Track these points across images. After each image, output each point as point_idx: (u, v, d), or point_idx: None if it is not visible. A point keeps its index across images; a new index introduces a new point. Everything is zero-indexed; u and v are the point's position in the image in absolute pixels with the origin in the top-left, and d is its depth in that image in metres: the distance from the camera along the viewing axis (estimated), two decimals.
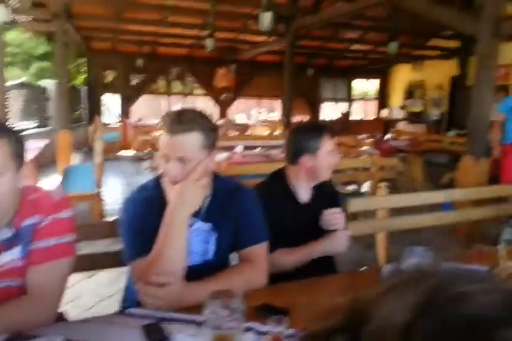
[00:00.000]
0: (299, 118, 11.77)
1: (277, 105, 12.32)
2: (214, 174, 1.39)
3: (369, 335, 0.35)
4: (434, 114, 11.15)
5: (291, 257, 1.50)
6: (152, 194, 1.32)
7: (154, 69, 10.86)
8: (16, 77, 8.94)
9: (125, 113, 10.65)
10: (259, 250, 1.34)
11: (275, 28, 8.06)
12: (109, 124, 10.28)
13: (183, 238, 1.21)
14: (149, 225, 1.24)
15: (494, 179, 4.36)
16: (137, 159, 8.65)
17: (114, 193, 5.60)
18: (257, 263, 1.31)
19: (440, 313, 0.32)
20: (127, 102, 10.74)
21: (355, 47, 10.78)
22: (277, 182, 1.65)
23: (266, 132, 9.96)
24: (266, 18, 4.13)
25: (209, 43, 5.94)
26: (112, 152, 8.64)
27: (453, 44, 9.57)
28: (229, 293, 0.97)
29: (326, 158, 1.58)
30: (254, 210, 1.39)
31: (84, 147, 9.33)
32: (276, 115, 12.11)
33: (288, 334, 0.98)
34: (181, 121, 1.19)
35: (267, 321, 0.99)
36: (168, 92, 11.50)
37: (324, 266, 1.68)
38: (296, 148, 1.58)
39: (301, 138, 1.58)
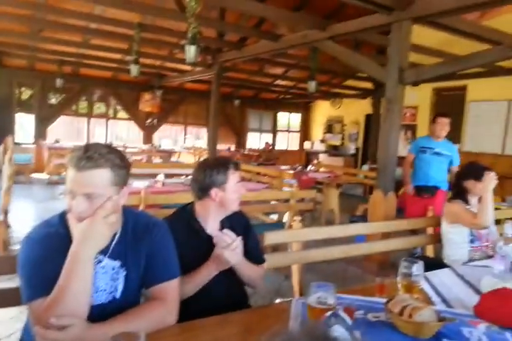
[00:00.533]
0: (225, 146, 11.94)
1: (204, 132, 12.38)
2: (124, 209, 1.35)
3: None
4: (351, 148, 11.93)
5: (189, 284, 1.50)
6: (55, 230, 1.25)
7: (75, 89, 10.45)
8: None
9: (40, 133, 10.02)
10: (171, 286, 1.32)
11: (203, 59, 8.26)
12: (21, 145, 9.59)
13: (88, 277, 1.16)
14: (50, 264, 1.18)
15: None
16: (51, 183, 8.14)
17: (24, 220, 5.19)
18: (167, 301, 1.29)
19: None
20: (43, 122, 10.14)
21: (279, 82, 11.30)
22: (182, 217, 1.67)
23: (191, 159, 9.93)
24: (191, 51, 4.20)
25: (133, 69, 5.87)
26: (23, 175, 8.06)
27: (367, 85, 10.43)
28: (131, 336, 0.94)
29: (232, 190, 1.65)
30: (167, 245, 1.37)
31: None
32: (203, 142, 12.15)
33: None
34: (90, 157, 1.16)
35: None
36: (90, 114, 11.06)
37: (236, 299, 1.69)
38: (204, 182, 1.63)
39: (209, 173, 1.63)
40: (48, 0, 6.28)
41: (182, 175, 5.24)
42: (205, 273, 1.53)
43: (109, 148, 1.22)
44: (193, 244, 1.58)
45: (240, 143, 12.97)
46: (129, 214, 1.35)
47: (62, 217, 1.28)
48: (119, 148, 1.31)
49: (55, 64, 8.79)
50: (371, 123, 10.86)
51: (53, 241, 1.22)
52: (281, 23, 5.84)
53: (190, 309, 1.42)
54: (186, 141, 12.30)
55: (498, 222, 2.90)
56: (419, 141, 4.68)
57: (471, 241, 2.50)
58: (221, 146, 11.75)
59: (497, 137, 7.58)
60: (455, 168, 4.30)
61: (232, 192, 1.65)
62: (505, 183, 7.22)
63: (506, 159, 7.41)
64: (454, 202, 2.55)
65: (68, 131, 10.88)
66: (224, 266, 1.53)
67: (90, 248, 1.16)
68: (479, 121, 7.90)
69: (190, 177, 4.61)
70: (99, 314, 1.18)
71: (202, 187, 1.64)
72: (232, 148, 12.25)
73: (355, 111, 11.85)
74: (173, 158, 10.27)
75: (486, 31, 5.04)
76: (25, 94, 10.32)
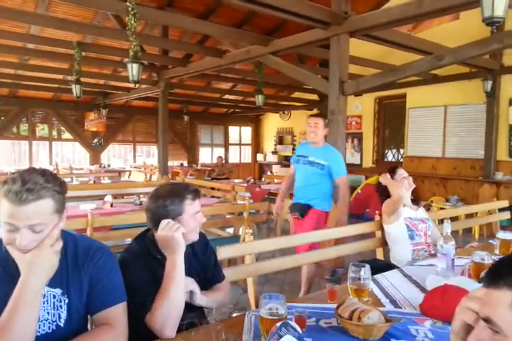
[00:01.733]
0: (176, 162, 11.81)
1: (155, 150, 12.20)
2: (63, 233, 1.28)
3: None
4: None
5: (164, 292, 1.37)
6: None
7: (14, 112, 10.00)
8: None
9: None
10: (117, 311, 1.28)
11: (148, 76, 8.19)
12: None
13: (37, 309, 1.12)
14: None
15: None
16: None
17: None
18: (115, 326, 1.24)
19: None
20: None
21: (228, 96, 11.40)
22: (142, 245, 1.55)
23: (142, 178, 9.72)
24: (133, 69, 4.16)
25: (75, 90, 5.72)
26: None
27: (313, 97, 10.75)
28: None
29: (190, 221, 1.53)
30: (111, 269, 1.32)
31: None
32: (154, 160, 11.96)
33: None
34: (29, 189, 1.10)
35: None
36: (31, 137, 10.59)
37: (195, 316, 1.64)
38: (157, 214, 1.50)
39: (161, 203, 1.49)
40: None
41: (134, 194, 5.11)
42: (170, 267, 1.41)
43: (46, 176, 1.16)
44: (161, 271, 1.44)
45: (193, 158, 12.88)
46: (68, 238, 1.29)
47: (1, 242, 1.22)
48: (63, 170, 1.28)
49: None
50: None
51: None
52: (224, 39, 5.92)
53: (143, 331, 1.37)
54: (136, 160, 12.05)
55: (441, 221, 3.05)
56: (298, 148, 3.80)
57: (411, 238, 2.62)
58: (173, 163, 11.63)
59: (437, 141, 8.02)
60: (338, 181, 3.39)
61: (190, 223, 1.52)
62: (447, 184, 7.65)
63: (447, 161, 7.84)
64: (385, 202, 2.69)
65: (8, 156, 10.35)
66: (175, 246, 1.43)
67: (40, 277, 1.13)
68: (419, 127, 8.32)
69: (141, 196, 4.51)
70: None
71: (155, 218, 1.50)
72: (185, 163, 12.13)
73: (303, 122, 12.08)
74: (124, 178, 10.00)
75: (418, 42, 5.38)
76: None
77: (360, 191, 7.77)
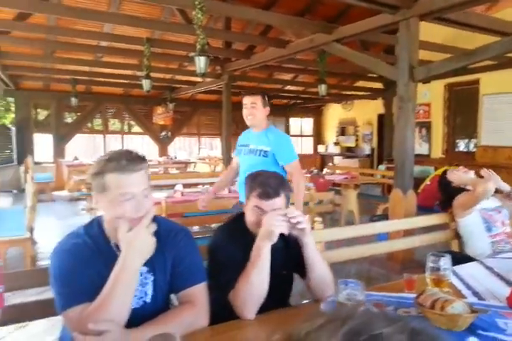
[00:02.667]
0: None
1: (218, 142, 12.48)
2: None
3: None
4: (366, 149, 11.86)
5: (248, 275, 1.41)
6: (82, 241, 1.29)
7: (89, 107, 10.67)
8: None
9: (59, 152, 10.25)
10: (199, 291, 1.34)
11: (212, 70, 8.36)
12: (41, 164, 9.81)
13: (133, 285, 1.20)
14: (80, 273, 1.22)
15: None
16: (72, 199, 8.28)
17: (48, 236, 5.28)
18: (197, 304, 1.31)
19: None
20: (61, 141, 10.37)
21: (289, 87, 11.35)
22: (238, 225, 1.64)
23: (207, 169, 10.00)
24: (201, 62, 4.27)
25: (145, 84, 5.99)
26: (45, 193, 8.22)
27: (377, 85, 10.40)
28: (167, 337, 0.96)
29: (247, 214, 1.61)
30: (192, 251, 1.40)
31: (14, 189, 8.79)
32: (217, 152, 12.23)
33: None
34: (133, 160, 1.24)
35: None
36: (105, 131, 11.27)
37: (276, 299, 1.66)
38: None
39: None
40: (59, 22, 6.47)
41: (199, 184, 5.28)
42: (255, 253, 1.44)
43: (135, 153, 1.30)
44: (248, 252, 1.49)
45: None
46: (154, 221, 1.38)
47: (87, 228, 1.33)
48: None
49: (69, 83, 9.00)
50: (384, 123, 10.79)
51: (81, 251, 1.26)
52: (287, 29, 5.88)
53: (226, 309, 1.42)
54: (201, 152, 12.40)
55: None
56: (240, 137, 3.24)
57: (488, 230, 2.47)
58: None
59: None
60: (288, 168, 2.86)
61: (247, 216, 1.63)
62: None
63: None
64: (461, 196, 2.54)
65: (85, 148, 11.10)
66: (266, 235, 1.44)
67: (138, 257, 1.21)
68: (495, 115, 7.78)
69: (206, 186, 4.64)
70: (132, 318, 1.20)
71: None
72: None
73: (367, 112, 11.80)
74: (189, 169, 10.35)
75: (494, 23, 5.00)
76: (42, 114, 10.57)
77: (429, 182, 7.43)
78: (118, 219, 1.24)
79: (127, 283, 1.18)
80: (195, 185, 5.72)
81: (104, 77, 8.88)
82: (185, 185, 4.78)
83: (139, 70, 7.05)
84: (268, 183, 1.56)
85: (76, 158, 9.70)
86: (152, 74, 6.27)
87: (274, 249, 1.47)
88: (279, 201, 1.56)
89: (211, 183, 5.37)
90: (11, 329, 2.66)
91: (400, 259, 4.08)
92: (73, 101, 9.02)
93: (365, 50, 7.65)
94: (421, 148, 9.38)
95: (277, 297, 1.59)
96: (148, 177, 1.30)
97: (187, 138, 12.56)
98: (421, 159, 8.56)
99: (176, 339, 0.94)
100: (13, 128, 10.00)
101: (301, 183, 2.89)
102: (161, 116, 11.35)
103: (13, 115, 10.37)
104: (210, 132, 12.62)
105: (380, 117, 11.24)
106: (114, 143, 11.43)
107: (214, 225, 4.22)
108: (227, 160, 8.30)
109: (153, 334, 0.97)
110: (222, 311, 1.39)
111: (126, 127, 11.63)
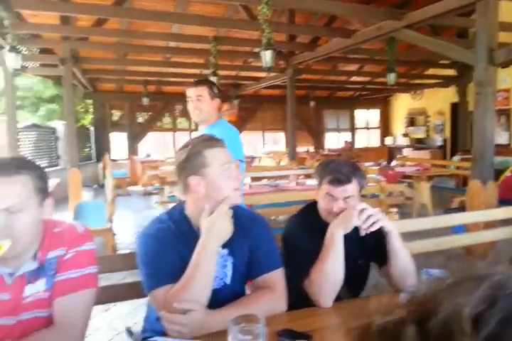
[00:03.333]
0: (302, 148, 11.94)
1: (281, 137, 12.53)
2: None
3: (437, 326, 0.39)
4: (438, 139, 11.26)
5: (321, 263, 1.42)
6: (166, 226, 1.36)
7: (159, 107, 11.18)
8: (25, 119, 9.24)
9: (133, 149, 10.87)
10: (277, 276, 1.37)
11: (276, 64, 8.38)
12: (117, 161, 10.47)
13: (213, 268, 1.25)
14: (164, 256, 1.29)
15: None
16: (146, 194, 8.75)
17: (125, 228, 5.64)
18: (276, 290, 1.34)
19: (505, 304, 0.38)
20: (134, 139, 10.98)
21: (355, 79, 11.08)
22: (311, 215, 1.66)
23: (272, 164, 10.08)
24: (267, 56, 4.30)
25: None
26: (121, 188, 8.77)
27: (450, 72, 9.82)
28: (251, 318, 0.99)
29: (320, 202, 1.62)
30: (268, 238, 1.44)
31: (94, 184, 9.47)
32: (281, 147, 12.28)
33: None
34: (211, 138, 1.38)
35: None
36: (174, 129, 11.76)
37: (354, 289, 1.66)
38: None
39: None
40: (131, 26, 6.83)
41: (266, 177, 5.35)
42: (329, 242, 1.44)
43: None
44: (319, 240, 1.50)
45: (319, 143, 12.88)
46: (233, 206, 1.44)
47: (170, 213, 1.40)
48: None
49: (141, 84, 9.49)
50: (458, 111, 10.18)
51: (164, 235, 1.33)
52: (352, 18, 5.74)
53: (302, 296, 1.44)
54: (265, 147, 12.52)
55: None
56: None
57: None
58: (299, 148, 11.79)
59: None
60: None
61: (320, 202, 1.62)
62: None
63: None
64: None
65: (156, 146, 11.67)
66: (341, 222, 1.45)
67: (215, 241, 1.26)
68: None
69: (272, 180, 4.69)
70: (213, 298, 1.26)
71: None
72: (311, 149, 12.20)
73: (438, 101, 11.20)
74: (255, 163, 10.51)
75: None
76: (116, 115, 11.26)
77: (509, 174, 6.91)
78: (207, 203, 1.31)
79: (207, 265, 1.23)
80: (262, 178, 5.80)
81: (173, 76, 9.25)
82: (252, 179, 4.86)
83: (206, 69, 7.26)
84: (339, 170, 1.55)
85: (148, 155, 10.23)
86: (218, 72, 6.42)
87: (349, 238, 1.46)
88: (351, 188, 1.54)
89: (277, 177, 5.43)
90: (95, 312, 2.90)
91: (479, 255, 3.85)
92: (145, 101, 9.50)
93: (436, 35, 7.27)
94: (500, 137, 8.74)
95: (353, 286, 1.58)
96: None
97: (251, 134, 12.73)
98: (500, 149, 7.96)
99: (260, 320, 0.97)
100: (92, 128, 10.78)
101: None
102: (226, 112, 11.58)
103: (91, 116, 11.15)
104: (273, 127, 12.69)
105: (454, 106, 10.61)
106: (183, 141, 11.88)
107: (281, 217, 4.26)
108: (292, 154, 8.30)
109: (238, 315, 1.00)
110: (297, 299, 1.41)
111: (193, 125, 12.03)
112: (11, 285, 1.11)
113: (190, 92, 2.59)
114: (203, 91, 2.57)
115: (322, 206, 1.60)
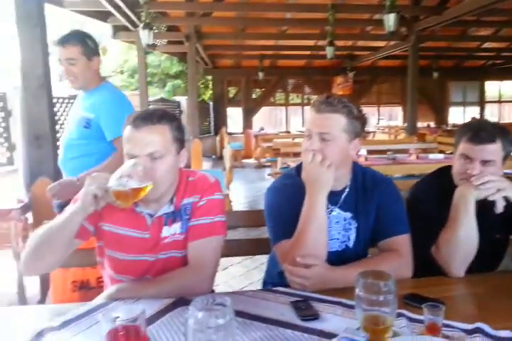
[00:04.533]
0: (423, 124, 11.15)
1: (396, 112, 11.83)
2: (354, 164, 1.40)
3: None
4: None
5: (452, 230, 1.31)
6: (292, 181, 1.38)
7: (273, 81, 11.30)
8: (153, 94, 10.12)
9: (247, 124, 11.25)
10: (403, 241, 1.31)
11: (396, 31, 7.82)
12: (233, 134, 10.95)
13: (321, 220, 1.23)
14: (288, 210, 1.30)
15: None
16: (259, 166, 9.05)
17: (238, 198, 5.92)
18: (402, 254, 1.28)
19: None
20: (249, 114, 11.34)
21: (487, 45, 9.85)
22: (442, 179, 1.51)
23: (386, 138, 9.63)
24: (390, 20, 4.03)
25: (329, 51, 5.99)
26: (236, 160, 9.18)
27: None
28: (381, 274, 0.96)
29: (454, 163, 1.47)
30: (396, 201, 1.37)
31: (212, 155, 10.07)
32: (396, 122, 11.63)
33: (446, 323, 0.94)
34: (329, 102, 1.27)
35: (421, 310, 0.95)
36: (286, 104, 11.85)
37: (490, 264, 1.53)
38: None
39: None
40: None
41: (382, 151, 5.14)
42: (459, 209, 1.32)
43: (346, 101, 1.30)
44: (448, 206, 1.38)
45: (441, 118, 11.87)
46: (357, 169, 1.40)
47: (298, 169, 1.40)
48: None
49: (257, 59, 9.66)
50: None
51: (289, 191, 1.35)
52: None
53: (428, 263, 1.35)
54: (380, 122, 11.97)
55: None
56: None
57: None
58: (418, 124, 11.02)
59: None
60: (117, 144, 1.92)
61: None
62: None
63: None
64: None
65: (269, 120, 11.93)
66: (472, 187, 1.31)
67: (318, 192, 1.25)
68: None
69: (390, 153, 4.46)
70: (335, 261, 1.25)
71: None
72: (432, 124, 11.31)
73: None
74: (369, 138, 10.15)
75: None
76: (231, 92, 11.69)
77: None
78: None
79: (315, 218, 1.22)
80: (377, 152, 5.59)
81: (288, 49, 9.23)
82: (369, 152, 4.70)
83: (321, 39, 7.08)
84: (483, 127, 1.39)
85: (262, 129, 10.51)
86: (334, 42, 6.22)
87: (481, 207, 1.32)
88: (493, 149, 1.35)
89: (394, 150, 5.16)
90: (231, 262, 3.30)
91: None
92: (260, 75, 9.69)
93: None
94: None
95: (488, 261, 1.44)
96: (345, 126, 1.29)
97: (366, 108, 12.21)
98: None
99: (391, 278, 0.93)
100: (211, 103, 11.38)
101: (115, 163, 1.66)
102: (340, 86, 11.28)
103: (210, 91, 11.75)
104: (389, 101, 12.02)
105: None
106: (294, 116, 11.95)
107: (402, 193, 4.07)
108: (412, 129, 7.80)
109: (366, 270, 0.98)
110: (421, 267, 1.33)
111: (306, 100, 11.98)
112: (151, 225, 1.23)
113: (62, 53, 2.00)
114: (75, 51, 1.98)
115: (456, 168, 1.44)
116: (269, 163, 7.60)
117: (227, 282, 3.08)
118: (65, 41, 1.97)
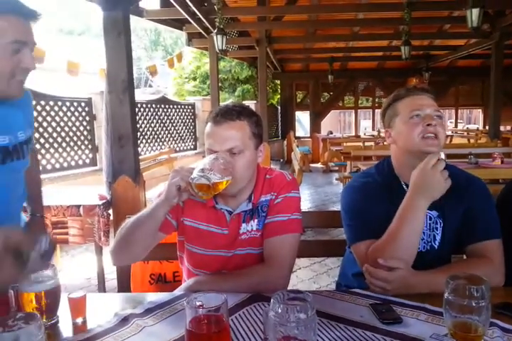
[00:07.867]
0: (506, 128, 10.35)
1: (475, 115, 11.07)
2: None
3: None
4: None
5: None
6: (373, 180, 1.33)
7: (343, 85, 11.10)
8: (224, 99, 10.36)
9: (315, 127, 11.15)
10: (495, 246, 1.21)
11: (479, 28, 7.34)
12: (300, 138, 10.91)
13: (418, 225, 1.16)
14: (368, 210, 1.26)
15: None
16: (326, 170, 8.92)
17: (306, 201, 5.87)
18: (494, 260, 1.18)
19: None
20: (317, 118, 11.24)
21: None
22: None
23: (464, 142, 9.04)
24: (473, 15, 3.78)
25: (404, 51, 5.76)
26: (303, 164, 9.14)
27: None
28: (473, 278, 0.89)
29: None
30: (489, 203, 1.28)
31: (280, 159, 10.12)
32: (475, 126, 10.90)
33: None
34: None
35: None
36: (356, 107, 11.58)
37: None
38: None
39: None
40: (322, 0, 6.84)
41: (463, 155, 4.84)
42: None
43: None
44: None
45: None
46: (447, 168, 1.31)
47: (378, 167, 1.36)
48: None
49: (326, 62, 9.55)
50: None
51: (369, 189, 1.30)
52: None
53: None
54: (458, 125, 11.29)
55: None
56: None
57: None
58: (502, 127, 10.23)
59: None
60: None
61: None
62: None
63: None
64: None
65: (337, 124, 11.73)
66: None
67: (424, 197, 1.16)
68: None
69: (471, 157, 4.18)
70: (418, 261, 1.18)
71: None
72: None
73: None
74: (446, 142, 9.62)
75: None
76: (299, 96, 11.66)
77: None
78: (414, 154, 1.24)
79: (412, 221, 1.15)
80: (456, 156, 5.30)
81: (360, 51, 9.03)
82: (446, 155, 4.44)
83: (395, 39, 6.84)
84: None
85: (330, 132, 10.35)
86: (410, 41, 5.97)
87: None
88: None
89: (475, 154, 4.83)
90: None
91: None
92: (330, 78, 9.57)
93: None
94: None
95: None
96: None
97: (443, 110, 11.62)
98: None
99: (485, 282, 0.85)
100: (278, 107, 11.44)
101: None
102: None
103: (278, 96, 11.82)
104: (468, 103, 11.30)
105: None
106: (363, 120, 11.66)
107: None
108: (495, 133, 7.26)
109: (457, 272, 0.91)
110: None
111: (377, 103, 11.63)
112: (230, 222, 1.25)
113: None
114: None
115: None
116: (336, 168, 7.47)
117: (296, 285, 3.04)
118: None
